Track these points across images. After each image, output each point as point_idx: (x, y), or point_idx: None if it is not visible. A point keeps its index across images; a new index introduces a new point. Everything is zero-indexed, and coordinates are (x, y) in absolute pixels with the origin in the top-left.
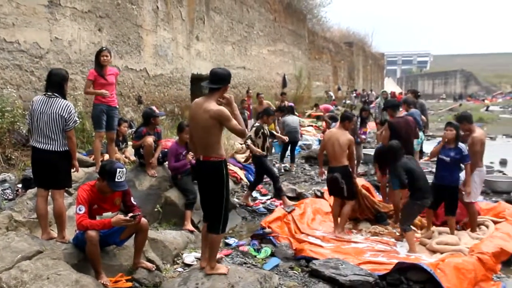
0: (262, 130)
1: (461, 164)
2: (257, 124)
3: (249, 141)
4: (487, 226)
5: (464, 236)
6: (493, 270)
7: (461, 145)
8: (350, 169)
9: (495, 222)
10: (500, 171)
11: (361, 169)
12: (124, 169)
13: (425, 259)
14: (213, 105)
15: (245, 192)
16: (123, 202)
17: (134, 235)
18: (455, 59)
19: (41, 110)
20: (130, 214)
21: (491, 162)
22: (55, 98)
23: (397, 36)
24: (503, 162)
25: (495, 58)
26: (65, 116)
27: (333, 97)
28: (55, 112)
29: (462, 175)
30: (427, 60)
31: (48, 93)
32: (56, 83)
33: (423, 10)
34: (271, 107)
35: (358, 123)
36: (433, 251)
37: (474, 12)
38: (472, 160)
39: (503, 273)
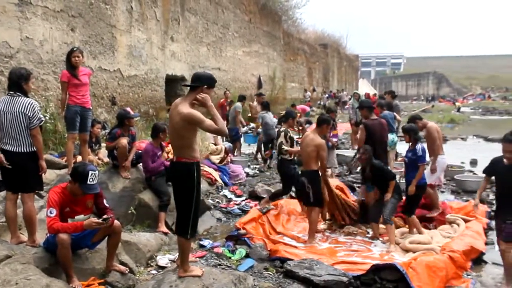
0: (289, 134)
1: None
2: (283, 128)
3: (285, 147)
4: (458, 225)
5: (436, 235)
6: (464, 268)
7: (418, 146)
8: (320, 174)
9: (465, 221)
10: (470, 171)
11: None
12: (96, 172)
13: (398, 258)
14: (185, 108)
15: (264, 198)
16: (96, 205)
17: (106, 238)
18: (427, 61)
19: (5, 110)
20: (103, 217)
21: (462, 162)
22: (18, 97)
23: (371, 38)
24: (474, 162)
25: (466, 61)
26: (29, 114)
27: (309, 98)
28: (19, 111)
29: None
30: (401, 62)
31: (11, 92)
32: (14, 82)
33: (397, 13)
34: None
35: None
36: (406, 250)
37: (446, 16)
38: (434, 146)
39: (473, 271)
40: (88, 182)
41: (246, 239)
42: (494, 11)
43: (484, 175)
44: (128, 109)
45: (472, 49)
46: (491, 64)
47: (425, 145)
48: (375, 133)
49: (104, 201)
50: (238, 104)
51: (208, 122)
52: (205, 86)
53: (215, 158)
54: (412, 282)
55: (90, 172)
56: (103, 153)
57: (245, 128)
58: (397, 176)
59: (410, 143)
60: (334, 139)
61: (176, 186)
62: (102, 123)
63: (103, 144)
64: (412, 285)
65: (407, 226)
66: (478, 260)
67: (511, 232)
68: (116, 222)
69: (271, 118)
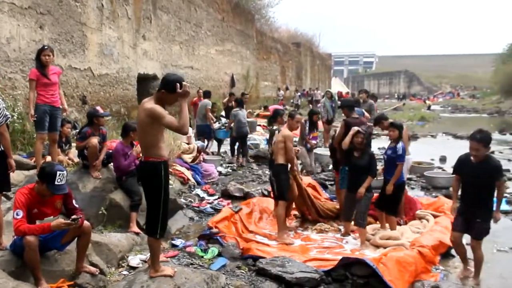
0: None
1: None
2: (275, 127)
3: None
4: (427, 220)
5: (406, 230)
6: (433, 262)
7: (399, 145)
8: (289, 166)
9: (435, 216)
10: (439, 168)
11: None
12: (64, 172)
13: (369, 254)
14: (147, 104)
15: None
16: (65, 205)
17: (76, 239)
18: (399, 60)
19: None
20: (72, 217)
21: (432, 159)
22: None
23: (344, 37)
24: (443, 159)
25: (436, 60)
26: None
27: (282, 97)
28: None
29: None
30: (373, 60)
31: None
32: None
33: (369, 12)
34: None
35: (307, 127)
36: (377, 246)
37: (417, 15)
38: (406, 146)
39: (442, 265)
40: (56, 183)
41: (218, 238)
42: (463, 11)
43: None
44: (98, 108)
45: (442, 48)
46: (460, 63)
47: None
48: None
49: (73, 201)
50: (207, 101)
51: (170, 118)
52: (163, 91)
53: (188, 157)
54: (384, 277)
55: (58, 172)
56: (74, 153)
57: (218, 124)
58: None
59: (393, 140)
60: (314, 141)
61: (144, 186)
62: (72, 122)
63: (74, 144)
64: (385, 279)
65: (377, 222)
66: (446, 254)
67: (481, 230)
68: (86, 222)
69: (244, 115)
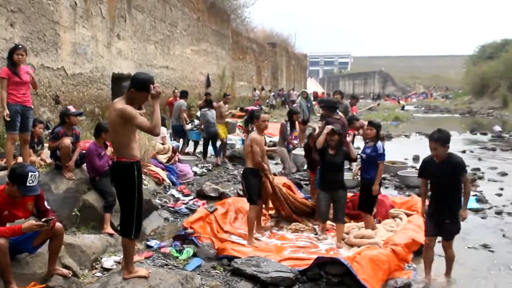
0: None
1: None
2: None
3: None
4: (400, 219)
5: (380, 229)
6: (405, 260)
7: (379, 144)
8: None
9: (408, 215)
10: (413, 167)
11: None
12: (36, 173)
13: (343, 253)
14: (118, 104)
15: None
16: (36, 207)
17: (48, 241)
18: (374, 61)
19: None
20: (44, 219)
21: (405, 159)
22: None
23: (319, 38)
24: (416, 158)
25: (410, 61)
26: None
27: (258, 97)
28: None
29: None
30: (348, 61)
31: None
32: None
33: (344, 13)
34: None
35: (288, 128)
36: (351, 245)
37: (391, 16)
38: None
39: (414, 262)
40: (28, 184)
41: (193, 238)
42: (437, 13)
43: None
44: (70, 107)
45: (416, 49)
46: (433, 64)
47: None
48: None
49: (45, 203)
50: (182, 101)
51: (141, 119)
52: (132, 89)
53: (162, 158)
54: (358, 275)
55: (30, 174)
56: (46, 153)
57: (190, 126)
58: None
59: (370, 140)
60: (295, 141)
61: (117, 187)
62: (45, 122)
63: (46, 144)
64: (359, 278)
65: (352, 221)
66: (419, 252)
67: (452, 230)
68: (58, 224)
69: (212, 115)
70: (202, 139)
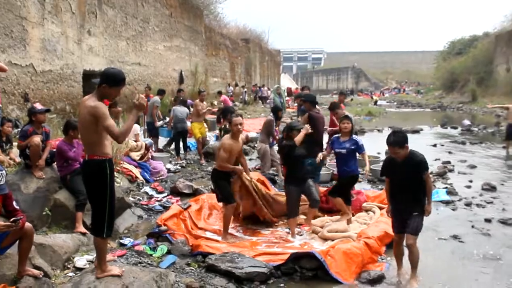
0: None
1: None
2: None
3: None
4: (374, 212)
5: (353, 222)
6: (378, 253)
7: (355, 136)
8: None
9: (380, 208)
10: None
11: (256, 163)
12: (3, 172)
13: (317, 247)
14: (90, 102)
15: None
16: (4, 207)
17: (18, 242)
18: (347, 57)
19: None
20: (13, 219)
21: (378, 153)
22: None
23: (293, 34)
24: (388, 153)
25: (382, 56)
26: None
27: (231, 93)
28: None
29: None
30: (321, 57)
31: None
32: None
33: (318, 9)
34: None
35: (274, 124)
36: (325, 239)
37: (364, 12)
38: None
39: (387, 255)
40: None
41: (167, 235)
42: (409, 9)
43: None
44: (37, 104)
45: (388, 45)
46: (405, 60)
47: None
48: (318, 124)
49: (14, 202)
50: (156, 98)
51: (111, 122)
52: (105, 85)
53: (135, 155)
54: (330, 269)
55: None
56: (15, 152)
57: (160, 122)
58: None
59: (346, 133)
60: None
61: (89, 185)
62: (13, 121)
63: (15, 143)
64: (330, 272)
65: (325, 215)
66: (391, 244)
67: (417, 225)
68: (28, 224)
69: (182, 111)
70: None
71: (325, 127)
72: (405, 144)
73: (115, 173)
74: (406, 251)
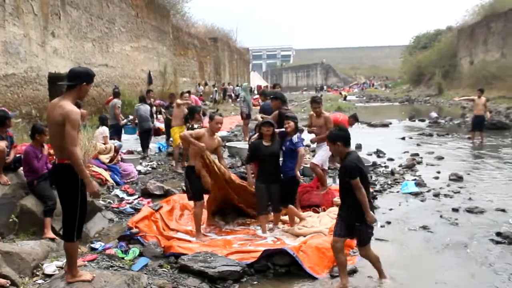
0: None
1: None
2: (196, 126)
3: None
4: None
5: (324, 217)
6: (350, 246)
7: (295, 136)
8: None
9: None
10: None
11: (228, 161)
12: None
13: (289, 243)
14: (66, 104)
15: None
16: None
17: None
18: (315, 53)
19: None
20: None
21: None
22: None
23: (261, 32)
24: (358, 147)
25: (350, 52)
26: None
27: (201, 92)
28: None
29: None
30: (290, 54)
31: None
32: None
33: (285, 6)
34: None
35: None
36: (297, 235)
37: (330, 9)
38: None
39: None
40: None
41: (139, 237)
42: (373, 5)
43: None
44: (4, 109)
45: (356, 41)
46: (372, 55)
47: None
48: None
49: None
50: (117, 100)
51: (74, 133)
52: (84, 83)
53: (105, 158)
54: (304, 264)
55: None
56: None
57: (125, 121)
58: None
59: (289, 132)
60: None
61: (59, 189)
62: None
63: None
64: (304, 267)
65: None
66: None
67: (364, 236)
68: None
69: (145, 110)
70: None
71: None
72: (336, 140)
73: None
74: None
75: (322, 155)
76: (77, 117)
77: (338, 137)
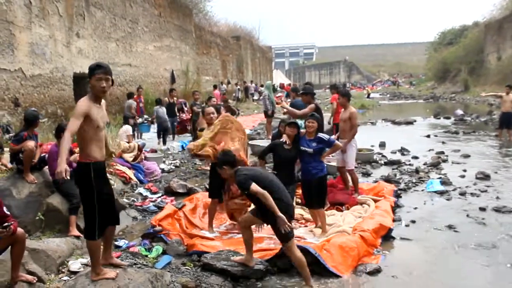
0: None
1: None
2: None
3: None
4: (368, 205)
5: (348, 216)
6: (374, 245)
7: (320, 134)
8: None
9: (375, 201)
10: (379, 153)
11: (249, 160)
12: None
13: (311, 241)
14: (80, 101)
15: None
16: None
17: (10, 248)
18: (338, 51)
19: None
20: (3, 225)
21: (372, 145)
22: None
23: (283, 29)
24: (382, 145)
25: (373, 49)
26: None
27: (224, 91)
28: None
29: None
30: (313, 52)
31: None
32: None
33: (308, 3)
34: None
35: None
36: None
37: (353, 5)
38: (353, 131)
39: (383, 247)
40: None
41: (162, 236)
42: (397, 1)
43: None
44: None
45: (379, 38)
46: (396, 52)
47: None
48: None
49: (4, 208)
50: (131, 101)
51: (72, 121)
52: (89, 78)
53: (128, 156)
54: (327, 263)
55: None
56: (6, 158)
57: (140, 120)
58: None
59: (311, 132)
60: None
61: (78, 187)
62: (4, 126)
63: (6, 149)
64: (327, 266)
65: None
66: (387, 236)
67: (280, 234)
68: (20, 229)
69: (163, 112)
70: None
71: None
72: (221, 165)
73: (109, 175)
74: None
75: (352, 156)
76: (80, 107)
77: (224, 163)
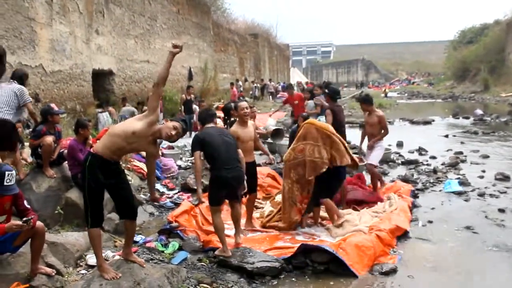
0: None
1: None
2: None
3: None
4: (391, 204)
5: (365, 215)
6: (390, 245)
7: None
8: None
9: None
10: (397, 153)
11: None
12: (13, 172)
13: (327, 240)
14: None
15: None
16: (15, 207)
17: (30, 241)
18: (356, 49)
19: None
20: (24, 219)
21: (389, 145)
22: None
23: (301, 27)
24: (400, 144)
25: (391, 47)
26: None
27: (242, 88)
28: None
29: None
30: (331, 50)
31: None
32: None
33: (325, 1)
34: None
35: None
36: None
37: (371, 3)
38: (384, 133)
39: (399, 247)
40: (5, 183)
41: (179, 232)
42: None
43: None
44: (52, 105)
45: (397, 36)
46: (414, 51)
47: None
48: (340, 116)
49: (25, 202)
50: (127, 108)
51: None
52: None
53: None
54: (345, 261)
55: (6, 173)
56: (27, 152)
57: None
58: None
59: None
60: None
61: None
62: (25, 121)
63: (26, 144)
64: (347, 263)
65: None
66: (403, 236)
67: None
68: (39, 223)
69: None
70: None
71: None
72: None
73: (126, 171)
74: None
75: (379, 154)
76: None
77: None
